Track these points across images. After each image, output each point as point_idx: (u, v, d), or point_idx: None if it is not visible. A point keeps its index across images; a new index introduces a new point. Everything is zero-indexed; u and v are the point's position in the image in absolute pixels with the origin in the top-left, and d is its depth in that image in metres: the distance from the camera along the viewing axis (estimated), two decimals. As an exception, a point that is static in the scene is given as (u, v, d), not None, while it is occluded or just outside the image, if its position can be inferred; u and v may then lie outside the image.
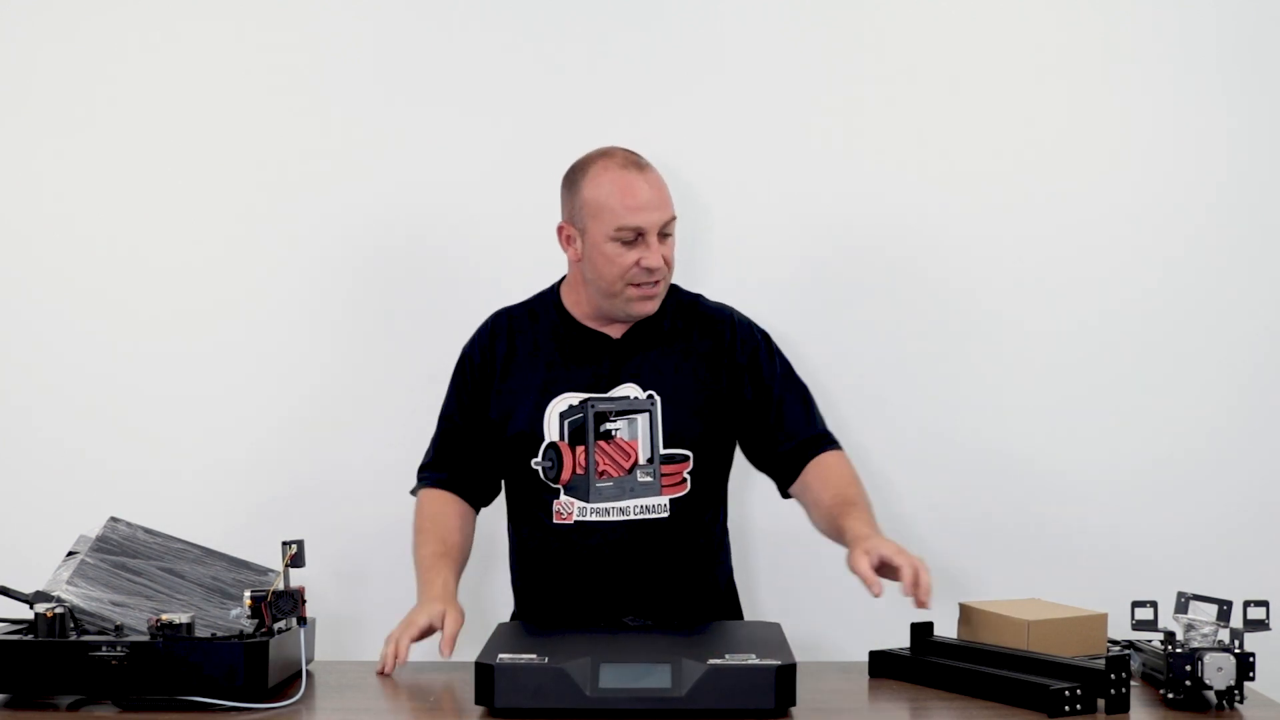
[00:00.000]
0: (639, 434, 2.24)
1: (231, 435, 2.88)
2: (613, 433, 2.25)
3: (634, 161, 2.23)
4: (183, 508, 2.64)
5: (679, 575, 2.27)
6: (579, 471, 2.24)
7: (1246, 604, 1.95)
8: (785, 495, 2.33)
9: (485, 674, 1.80)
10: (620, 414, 2.25)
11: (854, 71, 2.86)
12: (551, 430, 2.25)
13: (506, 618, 2.35)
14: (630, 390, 2.26)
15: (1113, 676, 1.81)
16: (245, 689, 1.86)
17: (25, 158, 2.89)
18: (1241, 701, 1.87)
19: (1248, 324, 2.86)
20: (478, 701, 1.81)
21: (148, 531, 2.16)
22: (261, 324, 2.88)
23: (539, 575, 2.31)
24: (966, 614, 2.15)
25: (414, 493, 2.37)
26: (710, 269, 2.73)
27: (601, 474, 2.24)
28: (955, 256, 2.87)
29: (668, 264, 2.23)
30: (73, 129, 2.88)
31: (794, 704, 1.80)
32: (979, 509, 2.85)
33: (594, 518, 2.24)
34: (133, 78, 2.87)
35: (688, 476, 2.26)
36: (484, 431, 2.31)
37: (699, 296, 2.37)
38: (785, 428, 2.28)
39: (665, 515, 2.24)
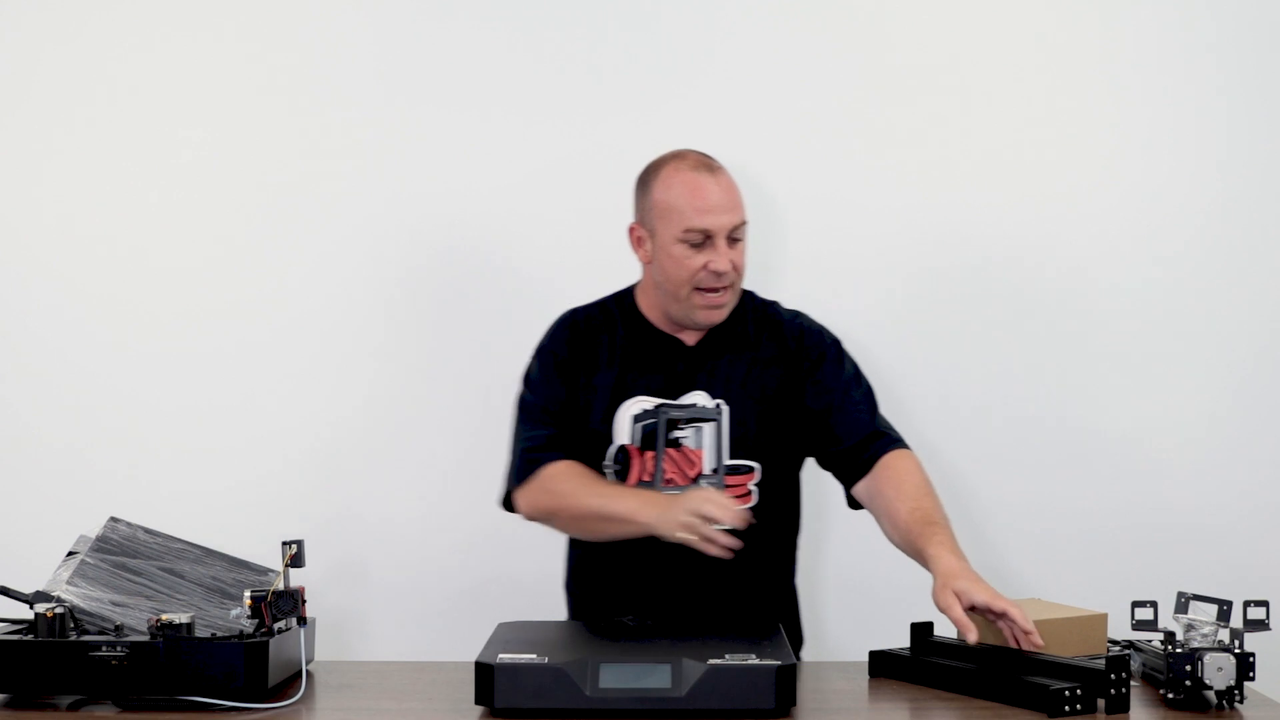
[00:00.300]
0: (705, 443, 2.21)
1: (232, 436, 2.88)
2: (680, 441, 2.22)
3: (705, 164, 2.20)
4: (183, 508, 2.65)
5: (740, 589, 2.23)
6: (645, 478, 2.20)
7: (1246, 604, 1.95)
8: (852, 504, 2.26)
9: (485, 674, 1.80)
10: (689, 422, 2.22)
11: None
12: (622, 433, 2.22)
13: (507, 617, 2.34)
14: (699, 398, 2.23)
15: (1113, 676, 1.81)
16: (245, 689, 1.86)
17: (26, 158, 2.89)
18: (1241, 701, 1.87)
19: (1247, 323, 2.87)
20: (478, 701, 1.81)
21: (148, 531, 2.16)
22: (261, 324, 2.88)
23: (598, 581, 2.28)
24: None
25: (514, 488, 2.25)
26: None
27: (668, 481, 2.21)
28: (956, 260, 2.87)
29: (736, 269, 2.19)
30: (75, 130, 2.88)
31: (794, 704, 1.80)
32: (979, 509, 2.85)
33: None
34: (134, 78, 2.87)
35: (754, 489, 2.22)
36: (577, 425, 2.25)
37: (774, 303, 2.33)
38: (848, 425, 2.22)
39: (729, 527, 2.19)
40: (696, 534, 2.02)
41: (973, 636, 1.93)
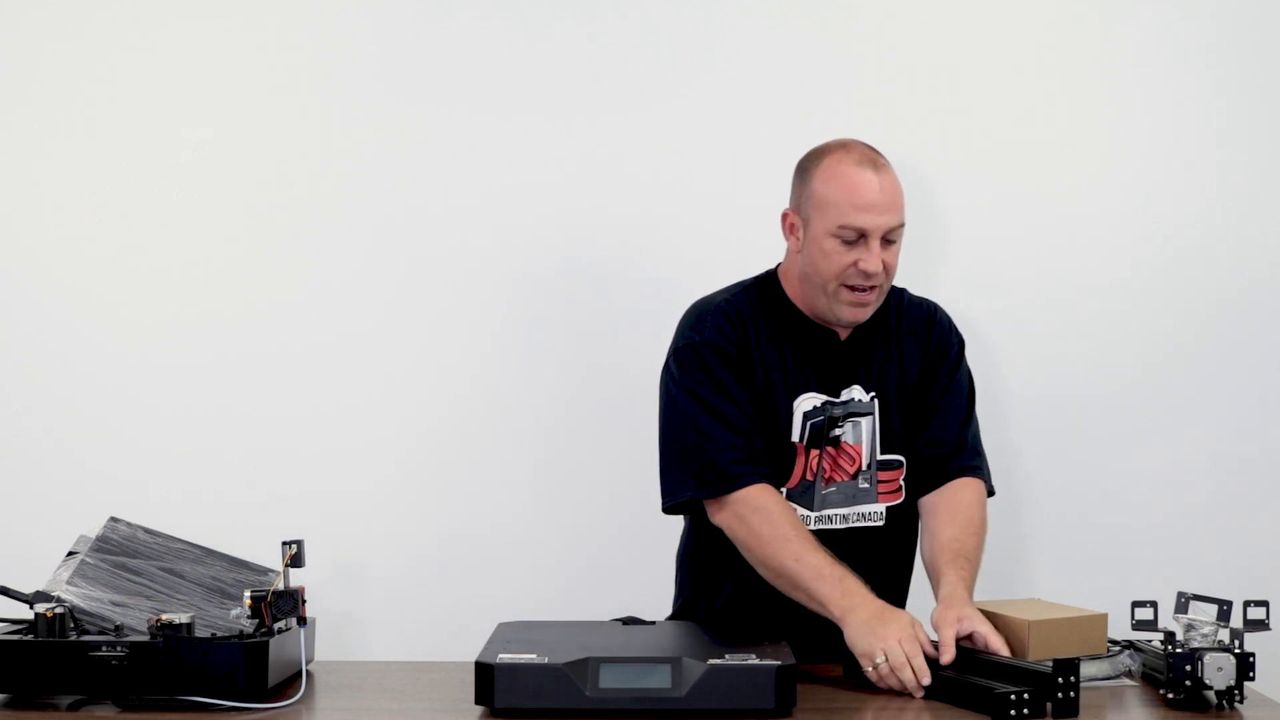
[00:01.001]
0: (863, 438, 2.19)
1: (232, 436, 2.88)
2: (840, 437, 2.19)
3: (871, 159, 2.13)
4: (183, 508, 2.65)
5: (887, 586, 2.18)
6: (808, 477, 2.17)
7: (1246, 604, 1.95)
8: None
9: (485, 674, 1.80)
10: (847, 417, 2.19)
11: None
12: (795, 430, 2.18)
13: (506, 617, 2.34)
14: (855, 393, 2.19)
15: (1059, 680, 1.79)
16: (245, 689, 1.86)
17: (24, 158, 2.88)
18: (1241, 701, 1.87)
19: (1247, 322, 2.86)
20: (478, 701, 1.81)
21: (148, 531, 2.16)
22: (261, 324, 2.88)
23: (712, 571, 2.23)
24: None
25: (706, 498, 2.13)
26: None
27: (828, 480, 2.18)
28: (954, 260, 2.87)
29: (888, 270, 2.13)
30: (75, 130, 2.88)
31: (794, 704, 1.80)
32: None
33: (816, 525, 2.16)
34: (134, 78, 2.87)
35: (903, 484, 2.21)
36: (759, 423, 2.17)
37: (904, 290, 2.29)
38: (936, 430, 2.21)
39: (881, 524, 2.18)
40: (883, 680, 1.93)
41: (947, 658, 1.92)
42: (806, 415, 2.17)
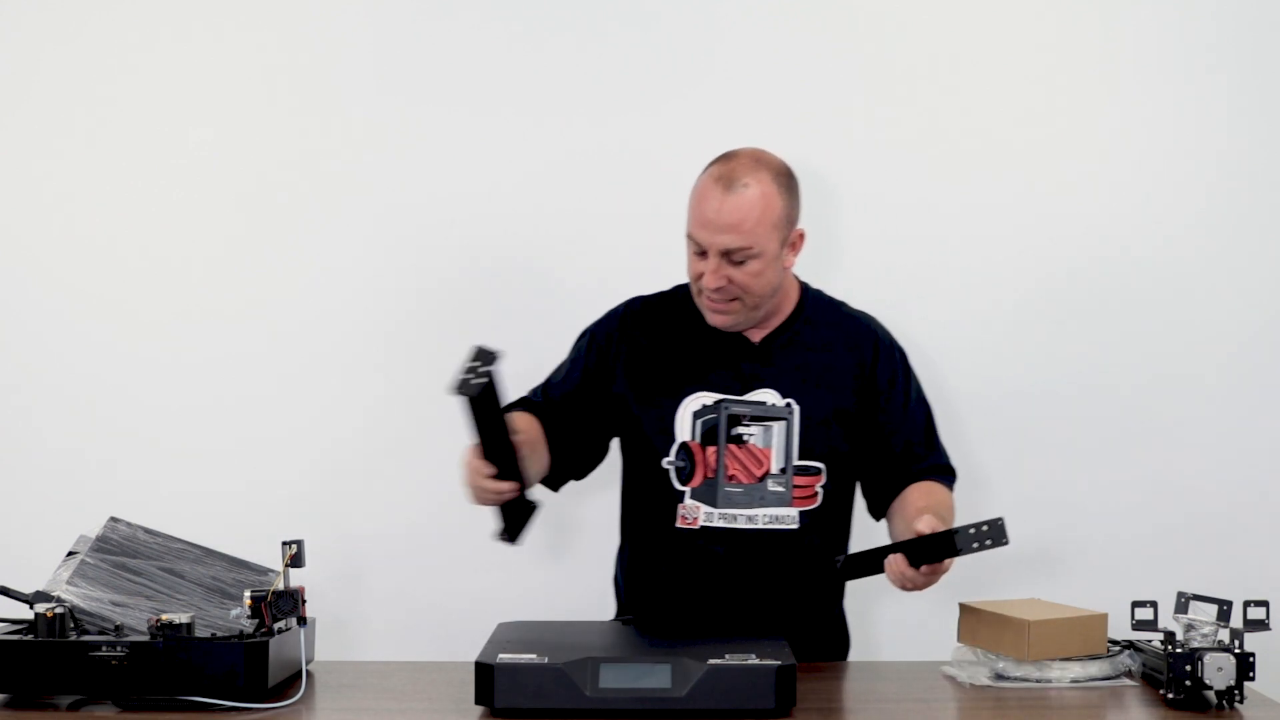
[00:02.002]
0: (774, 442, 2.19)
1: (232, 435, 2.88)
2: (746, 438, 2.19)
3: (730, 177, 2.10)
4: (183, 508, 2.64)
5: (800, 591, 2.22)
6: (709, 475, 2.18)
7: (1246, 604, 1.95)
8: (876, 515, 2.29)
9: (485, 674, 1.80)
10: (755, 420, 2.19)
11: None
12: (684, 429, 2.19)
13: (507, 617, 2.34)
14: (767, 396, 2.20)
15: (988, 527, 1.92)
16: (245, 689, 1.86)
17: (24, 158, 2.89)
18: (1241, 701, 1.87)
19: (1247, 322, 2.86)
20: (478, 701, 1.81)
21: (148, 531, 2.16)
22: (262, 325, 2.88)
23: (655, 580, 2.26)
24: (966, 614, 2.15)
25: None
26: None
27: (731, 479, 2.18)
28: (955, 260, 2.87)
29: (741, 287, 2.12)
30: (75, 129, 2.88)
31: (794, 704, 1.80)
32: (978, 509, 2.84)
33: (720, 523, 2.18)
34: (134, 78, 2.87)
35: (820, 490, 2.21)
36: (590, 412, 2.24)
37: (841, 304, 2.30)
38: (901, 445, 2.23)
39: (795, 527, 2.19)
40: (482, 502, 2.03)
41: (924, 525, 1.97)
42: (696, 414, 2.20)
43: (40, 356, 2.88)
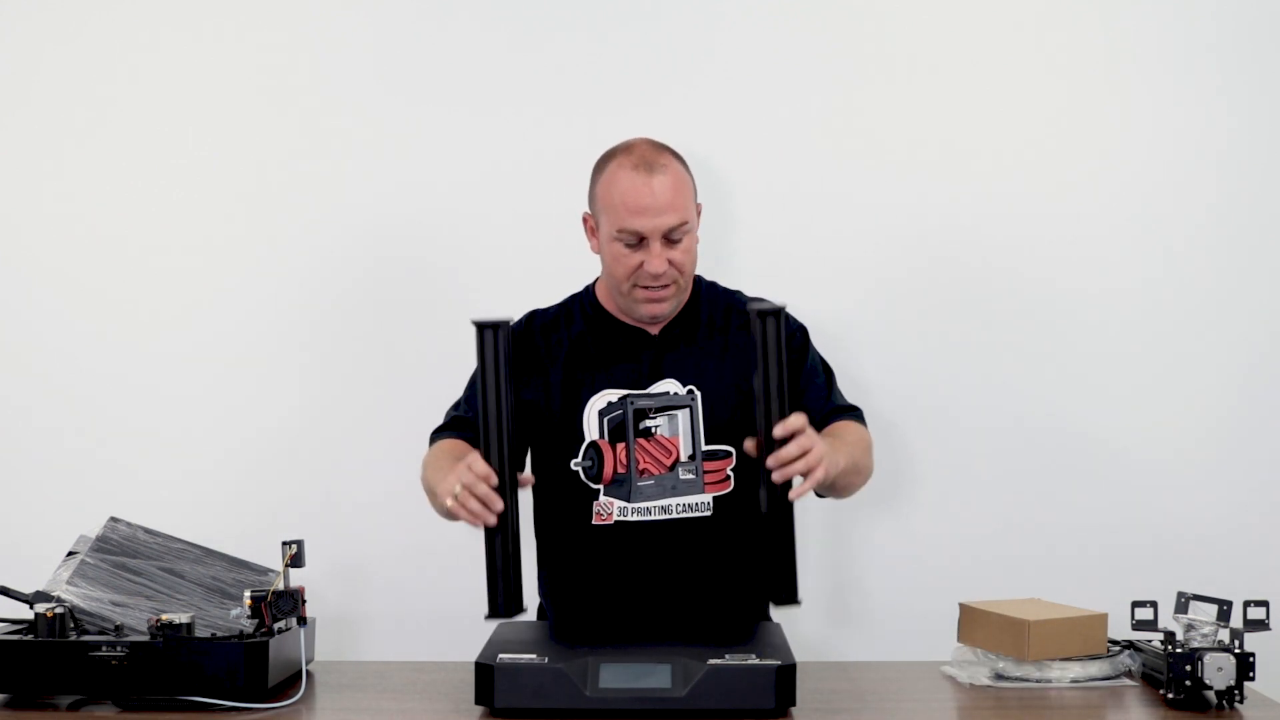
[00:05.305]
0: (679, 430, 2.21)
1: (232, 435, 2.87)
2: (653, 430, 2.21)
3: (647, 161, 2.15)
4: (183, 508, 2.65)
5: (721, 576, 2.23)
6: (620, 470, 2.20)
7: (1246, 604, 1.95)
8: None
9: (485, 674, 1.80)
10: (660, 410, 2.21)
11: (871, 63, 2.86)
12: (591, 429, 2.21)
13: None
14: (670, 386, 2.22)
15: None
16: (245, 689, 1.87)
17: (24, 157, 2.89)
18: (1241, 701, 1.87)
19: (1247, 322, 2.86)
20: (478, 701, 1.81)
21: (148, 531, 2.16)
22: (264, 324, 2.88)
23: (576, 579, 2.27)
24: (966, 614, 2.15)
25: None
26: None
27: (642, 472, 2.20)
28: (956, 261, 2.87)
29: (678, 267, 2.16)
30: (75, 129, 2.88)
31: (794, 704, 1.80)
32: (979, 509, 2.85)
33: (635, 517, 2.20)
34: (134, 77, 2.87)
35: (731, 474, 2.22)
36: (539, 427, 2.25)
37: (737, 292, 2.32)
38: (809, 408, 2.20)
39: (709, 514, 2.20)
40: (463, 505, 1.98)
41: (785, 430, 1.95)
42: (602, 412, 2.22)
43: (41, 356, 2.88)
